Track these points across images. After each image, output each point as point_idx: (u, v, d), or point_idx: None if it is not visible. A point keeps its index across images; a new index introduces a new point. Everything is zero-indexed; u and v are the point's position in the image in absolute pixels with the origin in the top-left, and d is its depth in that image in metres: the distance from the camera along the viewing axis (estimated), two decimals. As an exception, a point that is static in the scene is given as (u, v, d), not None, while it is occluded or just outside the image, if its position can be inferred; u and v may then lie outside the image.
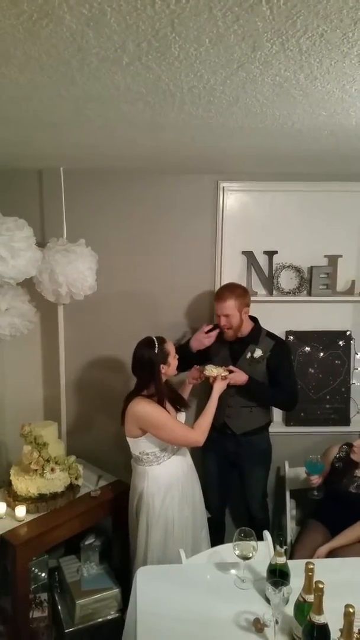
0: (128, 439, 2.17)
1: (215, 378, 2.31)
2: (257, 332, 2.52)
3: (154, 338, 2.14)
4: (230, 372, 2.34)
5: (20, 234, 2.18)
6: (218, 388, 2.29)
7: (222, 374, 2.32)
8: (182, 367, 2.35)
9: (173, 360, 2.17)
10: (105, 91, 1.26)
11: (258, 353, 2.46)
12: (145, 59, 1.05)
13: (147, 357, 2.10)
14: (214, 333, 2.46)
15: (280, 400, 2.56)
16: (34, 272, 2.31)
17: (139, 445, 2.14)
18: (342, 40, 0.91)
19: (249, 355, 2.47)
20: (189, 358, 2.45)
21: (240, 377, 2.37)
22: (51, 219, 2.68)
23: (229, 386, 2.36)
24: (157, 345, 2.11)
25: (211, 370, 2.32)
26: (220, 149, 2.03)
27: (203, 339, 2.47)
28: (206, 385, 2.46)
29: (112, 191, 2.75)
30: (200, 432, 2.15)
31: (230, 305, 2.39)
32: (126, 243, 2.80)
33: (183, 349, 2.47)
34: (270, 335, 2.56)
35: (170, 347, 2.17)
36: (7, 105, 1.40)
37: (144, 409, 2.08)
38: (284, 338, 2.80)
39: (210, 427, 2.19)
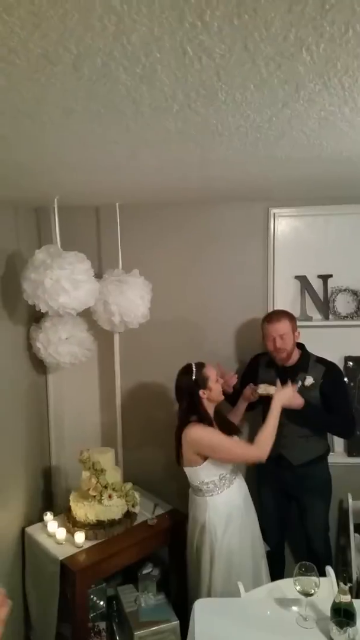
0: (186, 469, 2.17)
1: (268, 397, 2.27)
2: (306, 359, 2.47)
3: (193, 364, 2.17)
4: None
5: (81, 266, 2.31)
6: (280, 397, 2.17)
7: (274, 393, 2.28)
8: (232, 398, 2.35)
9: (215, 385, 2.16)
10: (158, 135, 1.34)
11: (309, 380, 2.40)
12: (194, 106, 1.11)
13: (185, 384, 2.13)
14: (232, 374, 2.43)
15: (338, 425, 2.47)
16: (92, 303, 2.43)
17: (199, 475, 2.14)
18: (384, 75, 0.93)
19: (299, 384, 2.41)
20: (232, 395, 2.42)
21: (296, 399, 2.31)
22: (108, 252, 2.82)
23: (283, 409, 2.29)
24: (194, 371, 2.13)
25: (265, 389, 2.30)
26: (269, 178, 2.07)
27: (229, 381, 2.41)
28: (257, 412, 2.44)
29: (164, 222, 2.85)
30: (260, 447, 2.07)
31: (285, 325, 2.37)
32: (179, 272, 2.88)
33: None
34: (320, 360, 2.49)
35: (211, 372, 2.17)
36: (68, 153, 1.52)
37: (197, 432, 2.09)
38: (342, 364, 2.73)
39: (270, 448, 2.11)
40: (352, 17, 0.71)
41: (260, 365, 2.52)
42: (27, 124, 1.21)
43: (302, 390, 2.41)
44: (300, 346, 2.51)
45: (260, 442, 2.09)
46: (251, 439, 2.77)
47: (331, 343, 2.70)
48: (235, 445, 2.10)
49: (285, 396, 2.20)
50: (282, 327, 2.37)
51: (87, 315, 2.60)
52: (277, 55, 0.83)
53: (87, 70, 0.93)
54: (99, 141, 1.39)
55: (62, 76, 0.93)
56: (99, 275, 2.57)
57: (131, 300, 2.53)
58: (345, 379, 2.69)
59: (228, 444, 2.08)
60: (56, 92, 1.02)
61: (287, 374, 2.43)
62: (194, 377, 2.13)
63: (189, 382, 2.13)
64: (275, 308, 2.80)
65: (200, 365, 2.18)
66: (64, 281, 2.21)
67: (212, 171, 1.86)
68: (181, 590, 2.49)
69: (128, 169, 1.77)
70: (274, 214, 2.78)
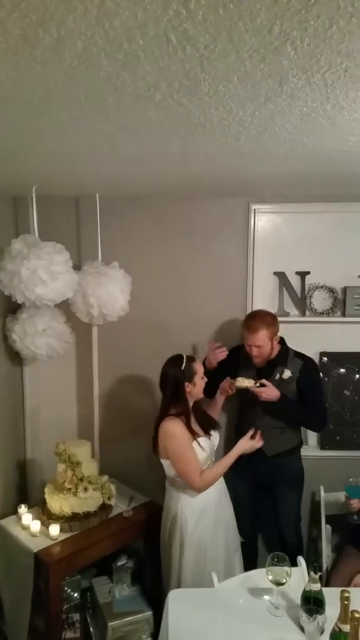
0: (163, 460, 2.18)
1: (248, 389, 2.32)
2: (285, 353, 2.51)
3: (184, 355, 2.17)
4: (262, 385, 2.33)
5: (59, 257, 2.28)
6: (242, 447, 2.21)
7: (253, 386, 2.32)
8: (212, 390, 2.36)
9: (200, 381, 2.18)
10: (139, 125, 1.32)
11: (287, 374, 2.45)
12: (177, 96, 1.10)
13: (172, 374, 2.13)
14: (224, 349, 2.45)
15: (311, 419, 2.52)
16: (71, 294, 2.40)
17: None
18: (366, 73, 0.94)
19: (277, 376, 2.46)
20: (212, 379, 2.42)
21: (272, 392, 2.35)
22: (87, 243, 2.78)
23: (258, 401, 2.36)
24: (184, 363, 2.14)
25: (242, 382, 2.32)
26: (251, 174, 2.08)
27: (217, 354, 2.44)
28: (235, 402, 2.45)
29: (145, 215, 2.83)
30: (204, 484, 2.11)
31: (262, 336, 2.37)
32: (159, 265, 2.87)
33: (211, 373, 2.48)
34: (299, 355, 2.54)
35: (199, 367, 2.19)
36: (47, 140, 1.49)
37: (176, 429, 2.10)
38: (318, 359, 2.77)
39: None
40: (337, 12, 0.71)
41: (241, 356, 2.54)
42: (3, 108, 1.18)
43: (280, 383, 2.45)
44: (281, 340, 2.55)
45: (206, 479, 2.11)
46: (229, 432, 2.82)
47: (307, 338, 2.74)
48: (191, 466, 2.08)
49: (247, 445, 2.23)
50: (258, 339, 2.38)
51: (65, 307, 2.57)
52: (261, 48, 0.83)
53: (68, 55, 0.91)
54: (79, 128, 1.37)
55: (42, 60, 0.91)
56: (77, 267, 2.55)
57: (111, 292, 2.51)
58: (321, 374, 2.74)
59: (188, 459, 2.08)
60: (35, 77, 1.00)
61: (266, 368, 2.48)
62: (182, 368, 2.13)
63: (177, 372, 2.13)
64: (254, 303, 2.83)
65: (191, 359, 2.19)
66: (41, 272, 2.18)
67: (194, 164, 1.85)
68: (156, 582, 2.51)
69: (109, 159, 1.75)
70: (255, 209, 2.80)
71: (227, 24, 0.75)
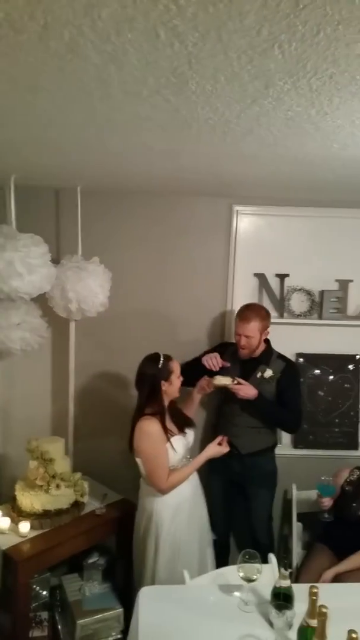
0: (138, 459, 2.17)
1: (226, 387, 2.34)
2: (269, 353, 2.54)
3: (161, 354, 2.17)
4: (239, 384, 2.36)
5: (37, 250, 2.24)
6: (210, 452, 2.24)
7: (231, 384, 2.34)
8: (192, 380, 2.38)
9: (176, 380, 2.18)
10: (126, 120, 1.32)
11: (268, 373, 2.48)
12: (164, 92, 1.10)
13: (149, 372, 2.13)
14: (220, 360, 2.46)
15: (286, 420, 2.55)
16: (48, 288, 2.36)
17: None
18: (350, 82, 0.95)
19: (259, 374, 2.49)
20: (198, 372, 2.45)
21: (249, 390, 2.37)
22: (67, 237, 2.75)
23: (237, 400, 2.39)
24: (161, 361, 2.14)
25: (220, 380, 2.34)
26: (235, 175, 2.09)
27: (215, 362, 2.44)
28: (216, 400, 2.46)
29: (127, 211, 2.82)
30: (169, 487, 2.12)
31: (253, 328, 2.40)
32: (140, 262, 2.85)
33: (195, 362, 2.49)
34: (282, 357, 2.58)
35: (176, 367, 2.19)
36: (31, 131, 1.47)
37: (152, 428, 2.09)
38: (294, 360, 2.81)
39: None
40: (324, 19, 0.72)
41: (226, 353, 2.56)
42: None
43: (260, 382, 2.48)
44: (266, 341, 2.58)
45: (171, 482, 2.13)
46: (206, 430, 2.84)
47: (284, 339, 2.77)
48: (160, 468, 2.09)
49: (215, 450, 2.26)
50: (249, 329, 2.41)
51: (41, 301, 2.53)
52: (249, 49, 0.83)
53: (54, 44, 0.90)
54: (64, 120, 1.35)
55: (28, 47, 0.89)
56: (56, 261, 2.51)
57: (90, 288, 2.48)
58: (301, 379, 2.76)
59: (158, 462, 2.09)
60: (20, 65, 0.98)
61: (249, 365, 2.51)
62: (159, 367, 2.13)
63: (154, 371, 2.13)
64: (235, 303, 2.85)
65: (168, 358, 2.19)
66: (17, 264, 2.13)
67: (179, 162, 1.85)
68: (128, 579, 2.50)
69: (93, 152, 1.73)
70: (237, 211, 2.81)
71: (217, 23, 0.75)
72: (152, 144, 1.58)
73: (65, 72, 1.02)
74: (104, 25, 0.82)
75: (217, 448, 2.25)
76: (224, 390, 2.46)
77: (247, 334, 2.41)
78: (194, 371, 2.44)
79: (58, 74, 1.02)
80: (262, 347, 2.52)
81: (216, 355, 2.45)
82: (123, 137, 1.51)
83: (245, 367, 2.52)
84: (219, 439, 2.28)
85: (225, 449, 2.26)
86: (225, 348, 2.60)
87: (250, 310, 2.46)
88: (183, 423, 2.27)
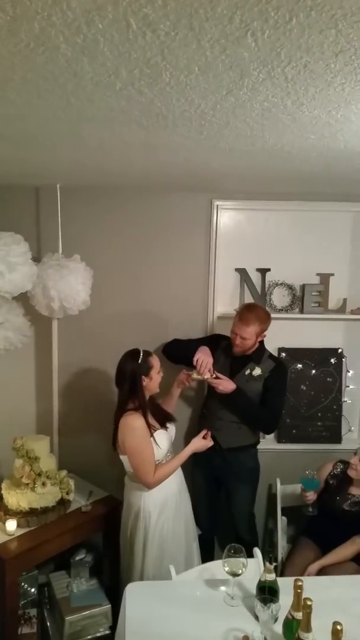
0: (122, 456, 2.16)
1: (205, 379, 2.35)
2: (261, 352, 2.53)
3: (140, 350, 2.16)
4: (217, 378, 2.36)
5: (17, 248, 2.22)
6: (195, 445, 2.24)
7: (210, 378, 2.34)
8: (181, 360, 2.43)
9: (156, 375, 2.18)
10: (100, 113, 1.30)
11: (257, 372, 2.47)
12: (137, 84, 1.09)
13: (129, 368, 2.12)
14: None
15: (261, 418, 2.51)
16: (29, 287, 2.34)
17: None
18: (325, 70, 0.95)
19: (247, 372, 2.48)
20: (188, 357, 2.42)
21: (228, 384, 2.37)
22: (47, 235, 2.72)
23: (216, 394, 2.39)
24: (141, 357, 2.13)
25: (198, 374, 2.34)
26: (213, 169, 2.08)
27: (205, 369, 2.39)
28: (200, 393, 2.46)
29: (107, 208, 2.79)
30: (156, 480, 2.12)
31: (251, 331, 2.38)
32: (121, 259, 2.83)
33: (188, 345, 2.50)
34: (273, 357, 2.58)
35: (155, 362, 2.18)
36: (4, 124, 1.44)
37: (136, 423, 2.09)
38: (276, 355, 2.82)
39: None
40: (296, 4, 0.72)
41: (219, 348, 2.56)
42: None
43: (248, 379, 2.48)
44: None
45: (158, 476, 2.13)
46: (192, 424, 2.84)
47: (267, 334, 2.78)
48: (144, 464, 2.10)
49: (200, 444, 2.26)
50: (247, 331, 2.39)
51: (23, 299, 2.50)
52: (222, 38, 0.83)
53: (24, 36, 0.88)
54: (36, 114, 1.33)
55: (-3, 38, 0.88)
56: (37, 259, 2.48)
57: (72, 286, 2.46)
58: (287, 382, 2.67)
59: (143, 456, 2.09)
60: (-10, 56, 0.96)
61: (239, 361, 2.50)
62: (139, 362, 2.12)
63: (134, 366, 2.12)
64: (216, 298, 2.85)
65: (147, 353, 2.18)
66: (-3, 262, 2.11)
67: (156, 156, 1.84)
68: (115, 575, 2.49)
69: (69, 146, 1.71)
70: (217, 205, 2.81)
71: (188, 11, 0.75)
72: (128, 139, 1.56)
73: (37, 64, 1.00)
74: (74, 16, 0.80)
75: (202, 441, 2.26)
76: (207, 384, 2.45)
77: (243, 336, 2.39)
78: (184, 352, 2.46)
79: (29, 66, 1.00)
80: (256, 345, 2.52)
81: (210, 362, 2.39)
82: (98, 132, 1.49)
83: (235, 363, 2.51)
84: (203, 432, 2.29)
85: (209, 442, 2.27)
86: (218, 341, 2.59)
87: (251, 313, 2.41)
88: (164, 418, 2.27)
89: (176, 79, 1.03)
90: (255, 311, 2.43)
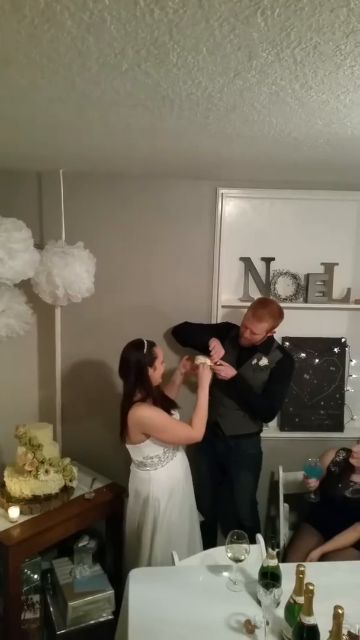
0: (129, 446, 2.17)
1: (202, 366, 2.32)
2: (270, 343, 2.53)
3: (145, 340, 2.16)
4: (220, 364, 2.35)
5: (18, 235, 2.20)
6: (204, 377, 2.25)
7: (210, 363, 2.32)
8: (191, 343, 2.48)
9: (160, 366, 2.18)
10: (105, 95, 1.28)
11: (264, 362, 2.47)
12: (144, 65, 1.07)
13: (134, 359, 2.12)
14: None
15: (258, 406, 2.50)
16: (31, 274, 2.32)
17: (143, 451, 2.15)
18: (335, 52, 0.93)
19: (254, 362, 2.48)
20: (200, 341, 2.44)
21: (230, 370, 2.37)
22: (50, 221, 2.70)
23: (220, 380, 2.38)
24: (145, 347, 2.13)
25: (201, 360, 2.33)
26: (219, 155, 2.06)
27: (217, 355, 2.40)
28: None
29: (111, 195, 2.77)
30: (198, 428, 2.15)
31: (263, 327, 2.38)
32: (125, 246, 2.82)
33: (205, 332, 2.50)
34: (281, 348, 2.58)
35: (159, 352, 2.18)
36: (7, 106, 1.42)
37: (146, 413, 2.09)
38: (280, 343, 2.81)
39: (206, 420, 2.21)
40: (307, -19, 0.70)
41: (228, 337, 2.55)
42: None
43: (255, 369, 2.47)
44: None
45: (197, 425, 2.15)
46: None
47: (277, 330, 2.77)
48: (178, 427, 2.13)
49: (208, 376, 2.27)
50: (258, 327, 2.38)
51: (26, 286, 2.49)
52: (231, 17, 0.81)
53: (28, 11, 0.86)
54: (41, 96, 1.31)
55: (0, 16, 0.86)
56: (39, 246, 2.47)
57: (77, 273, 2.44)
58: (292, 376, 2.63)
59: (172, 425, 2.12)
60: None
61: (247, 351, 2.50)
62: (144, 352, 2.12)
63: (139, 357, 2.11)
64: (220, 287, 2.83)
65: (151, 343, 2.18)
66: (-2, 249, 2.09)
67: (162, 141, 1.81)
68: (118, 561, 2.52)
69: (72, 130, 1.69)
70: (222, 194, 2.78)
71: (197, -13, 0.73)
72: (133, 122, 1.54)
73: (41, 42, 0.98)
74: (80, -9, 0.78)
75: (205, 371, 2.27)
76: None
77: (254, 331, 2.38)
78: (198, 336, 2.48)
79: (33, 44, 0.98)
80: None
81: (222, 354, 2.39)
82: (103, 115, 1.47)
83: (243, 353, 2.50)
84: (202, 357, 2.32)
85: (208, 372, 2.27)
86: (228, 330, 2.59)
87: (265, 309, 2.38)
88: (168, 405, 2.27)
89: (183, 59, 1.01)
90: (269, 308, 2.40)
